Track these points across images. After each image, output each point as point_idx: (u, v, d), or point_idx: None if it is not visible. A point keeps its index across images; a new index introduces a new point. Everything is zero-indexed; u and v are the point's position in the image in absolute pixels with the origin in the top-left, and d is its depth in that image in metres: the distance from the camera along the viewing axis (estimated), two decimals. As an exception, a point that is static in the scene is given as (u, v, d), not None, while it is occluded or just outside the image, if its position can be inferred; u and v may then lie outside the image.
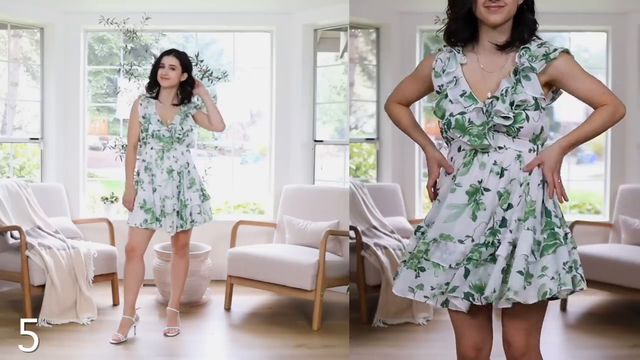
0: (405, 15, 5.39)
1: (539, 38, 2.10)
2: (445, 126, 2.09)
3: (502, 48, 2.07)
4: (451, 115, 2.08)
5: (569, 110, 5.33)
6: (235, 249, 4.59)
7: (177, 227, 3.82)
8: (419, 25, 5.42)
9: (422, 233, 2.16)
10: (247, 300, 4.70)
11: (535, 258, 2.00)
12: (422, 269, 2.11)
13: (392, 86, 5.61)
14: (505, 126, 2.01)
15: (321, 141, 5.44)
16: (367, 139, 5.58)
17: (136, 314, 3.90)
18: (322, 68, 5.63)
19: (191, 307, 4.53)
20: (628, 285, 4.28)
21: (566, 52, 2.06)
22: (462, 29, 2.09)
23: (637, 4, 5.30)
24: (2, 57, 5.47)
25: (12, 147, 5.57)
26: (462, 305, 2.06)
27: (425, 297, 2.11)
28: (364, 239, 4.36)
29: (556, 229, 2.03)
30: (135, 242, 3.80)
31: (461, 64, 2.12)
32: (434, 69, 2.16)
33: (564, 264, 2.00)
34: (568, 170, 5.64)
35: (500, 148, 2.04)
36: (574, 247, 2.07)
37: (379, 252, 4.26)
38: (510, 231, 2.02)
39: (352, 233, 4.34)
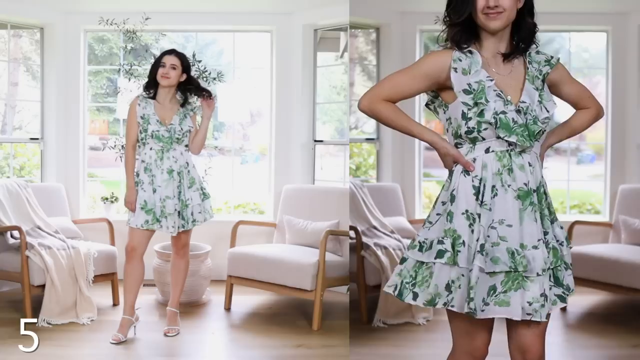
0: (405, 15, 5.40)
1: (536, 44, 2.14)
2: (491, 125, 2.00)
3: (507, 57, 2.08)
4: (496, 113, 2.00)
5: (569, 111, 5.32)
6: (235, 249, 4.59)
7: (178, 228, 3.82)
8: (419, 25, 5.42)
9: (486, 251, 2.01)
10: (247, 300, 4.70)
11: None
12: (521, 287, 2.01)
13: (392, 86, 5.61)
14: (542, 130, 2.06)
15: (321, 141, 5.44)
16: (367, 139, 5.58)
17: (136, 314, 3.90)
18: (322, 68, 5.63)
19: (191, 307, 4.53)
20: (628, 285, 4.28)
21: (558, 60, 2.19)
22: (462, 35, 2.07)
23: (637, 4, 5.30)
24: (2, 57, 5.47)
25: (12, 147, 5.57)
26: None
27: (528, 314, 2.00)
28: (364, 239, 4.36)
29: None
30: (136, 242, 3.79)
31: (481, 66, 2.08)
32: (454, 68, 2.04)
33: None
34: (568, 170, 5.64)
35: (528, 149, 2.07)
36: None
37: (379, 252, 4.26)
38: (549, 230, 2.10)
39: (352, 233, 4.34)
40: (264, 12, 5.34)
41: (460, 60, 2.05)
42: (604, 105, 5.57)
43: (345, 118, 5.65)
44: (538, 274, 2.00)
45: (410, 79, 2.12)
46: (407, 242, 4.52)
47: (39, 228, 4.55)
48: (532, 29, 2.08)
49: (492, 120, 2.00)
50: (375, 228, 4.63)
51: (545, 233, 2.07)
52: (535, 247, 2.01)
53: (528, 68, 2.09)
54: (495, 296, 1.99)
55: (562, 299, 2.07)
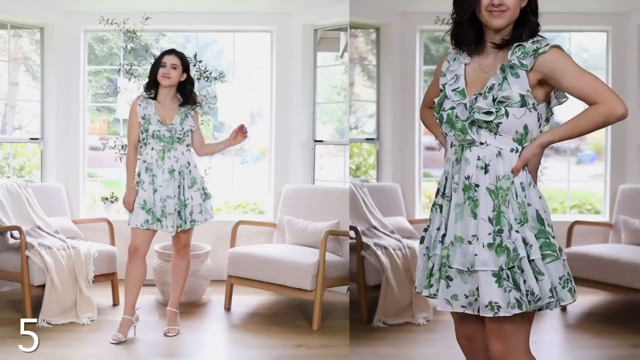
0: (405, 15, 5.40)
1: (543, 37, 2.08)
2: (440, 121, 2.14)
3: (500, 47, 2.07)
4: (443, 110, 2.12)
5: (569, 111, 5.32)
6: (235, 249, 4.59)
7: (177, 227, 3.82)
8: (419, 25, 5.42)
9: (443, 237, 2.12)
10: (247, 300, 4.70)
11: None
12: (450, 278, 2.06)
13: (392, 86, 5.67)
14: (487, 122, 2.01)
15: (321, 141, 5.44)
16: (367, 139, 5.58)
17: (136, 314, 3.90)
18: (322, 68, 5.63)
19: (191, 307, 4.53)
20: (628, 285, 4.28)
21: (557, 47, 2.01)
22: (467, 32, 2.11)
23: (637, 4, 5.29)
24: (2, 57, 5.47)
25: (12, 147, 5.57)
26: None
27: (462, 306, 2.06)
28: (364, 239, 4.36)
29: (551, 240, 2.01)
30: (138, 242, 3.80)
31: (465, 64, 2.15)
32: (442, 71, 2.21)
33: (560, 278, 2.01)
34: (568, 170, 5.64)
35: (482, 144, 2.04)
36: (565, 258, 2.04)
37: (379, 252, 4.26)
38: (510, 232, 2.00)
39: (352, 233, 4.34)
40: (264, 12, 5.34)
41: (445, 63, 2.21)
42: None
43: (345, 118, 5.65)
44: (469, 269, 2.01)
45: (432, 86, 2.35)
46: (407, 241, 4.52)
47: (39, 228, 4.55)
48: (535, 28, 2.08)
49: (438, 117, 2.14)
50: (375, 228, 4.63)
51: (501, 231, 2.00)
52: (469, 243, 2.03)
53: (508, 58, 2.05)
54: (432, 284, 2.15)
55: (519, 304, 1.96)
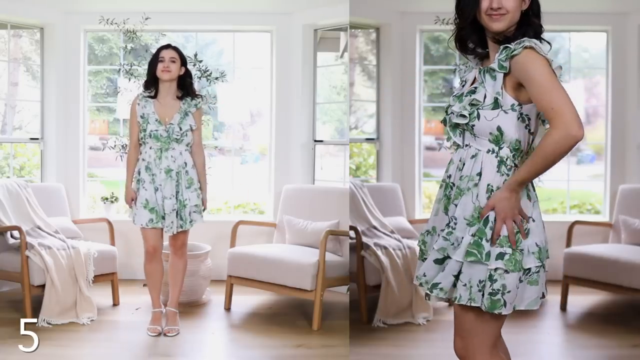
0: (405, 15, 5.40)
1: (542, 39, 2.07)
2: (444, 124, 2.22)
3: (499, 42, 2.05)
4: (446, 113, 2.18)
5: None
6: (235, 249, 4.59)
7: (177, 227, 3.83)
8: (419, 25, 5.42)
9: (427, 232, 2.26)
10: (247, 300, 4.70)
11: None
12: (425, 260, 2.18)
13: (392, 86, 5.67)
14: (465, 124, 2.06)
15: (321, 141, 5.44)
16: (367, 139, 5.58)
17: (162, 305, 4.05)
18: (322, 68, 5.63)
19: (191, 307, 4.53)
20: (628, 285, 4.28)
21: (529, 48, 1.91)
22: (470, 37, 2.14)
23: (637, 4, 5.30)
24: (2, 57, 5.47)
25: (12, 147, 5.57)
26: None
27: (420, 284, 2.18)
28: (364, 239, 4.36)
29: (484, 242, 1.98)
30: (154, 241, 3.89)
31: (474, 69, 2.19)
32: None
33: (479, 282, 1.99)
34: (568, 170, 5.64)
35: (466, 145, 2.10)
36: (508, 272, 1.96)
37: (379, 252, 4.26)
38: (454, 228, 2.06)
39: (352, 233, 4.34)
40: (264, 12, 5.34)
41: (462, 71, 2.27)
42: (603, 105, 5.61)
43: (345, 118, 5.65)
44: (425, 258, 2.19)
45: None
46: (407, 242, 4.52)
47: (39, 228, 4.55)
48: (538, 30, 2.07)
49: (442, 120, 2.20)
50: (375, 228, 4.63)
51: (448, 225, 2.10)
52: (437, 234, 2.15)
53: (492, 60, 2.07)
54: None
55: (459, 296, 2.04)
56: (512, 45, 1.98)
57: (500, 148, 2.02)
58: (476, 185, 2.03)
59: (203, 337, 4.00)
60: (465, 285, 2.01)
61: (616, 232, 5.03)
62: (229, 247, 4.68)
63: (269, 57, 5.45)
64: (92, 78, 6.35)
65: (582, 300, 4.73)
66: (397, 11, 5.39)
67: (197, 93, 3.95)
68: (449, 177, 2.14)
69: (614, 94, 5.44)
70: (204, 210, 3.94)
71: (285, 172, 5.36)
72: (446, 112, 2.18)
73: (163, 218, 3.80)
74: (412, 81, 5.42)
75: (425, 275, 2.12)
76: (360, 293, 4.28)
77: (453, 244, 2.06)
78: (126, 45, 4.94)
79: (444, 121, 2.20)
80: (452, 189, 2.12)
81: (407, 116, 5.41)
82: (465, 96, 2.05)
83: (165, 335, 3.91)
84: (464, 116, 2.04)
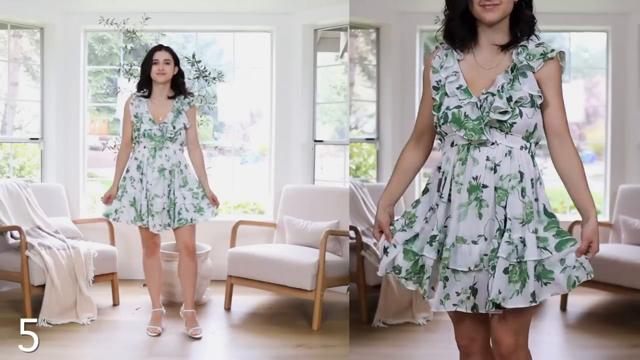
0: (405, 15, 5.40)
1: (537, 37, 2.09)
2: (442, 120, 2.09)
3: (504, 48, 2.08)
4: (447, 108, 2.08)
5: (569, 111, 5.32)
6: (235, 249, 4.59)
7: (165, 226, 3.82)
8: (419, 25, 5.42)
9: (439, 242, 2.11)
10: (247, 300, 4.70)
11: (551, 253, 2.02)
12: (447, 279, 2.08)
13: (392, 86, 5.67)
14: (500, 122, 2.02)
15: (321, 141, 5.44)
16: (367, 139, 5.58)
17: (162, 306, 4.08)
18: (322, 68, 5.63)
19: (191, 307, 4.52)
20: (628, 285, 4.28)
21: (561, 55, 2.06)
22: (459, 28, 2.09)
23: (637, 4, 5.30)
24: (2, 57, 5.47)
25: (12, 147, 5.57)
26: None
27: (454, 304, 2.08)
28: (364, 239, 4.36)
29: (562, 228, 2.08)
30: (145, 238, 3.93)
31: (458, 60, 2.13)
32: (432, 66, 2.16)
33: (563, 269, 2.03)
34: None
35: (492, 144, 2.04)
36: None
37: (379, 252, 4.26)
38: (510, 230, 2.02)
39: (352, 233, 4.34)
40: (264, 12, 5.34)
41: (436, 59, 2.15)
42: (603, 105, 5.61)
43: (345, 118, 5.65)
44: (470, 269, 2.04)
45: (424, 102, 2.23)
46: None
47: (39, 228, 4.55)
48: (531, 22, 2.08)
49: (442, 115, 2.08)
50: (375, 228, 4.63)
51: (503, 230, 2.02)
52: (474, 242, 2.04)
53: (514, 59, 2.07)
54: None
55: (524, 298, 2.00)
56: (530, 46, 2.05)
57: (530, 144, 2.07)
58: (520, 182, 2.03)
59: (203, 337, 3.99)
60: (574, 266, 2.03)
61: (616, 232, 5.03)
62: (229, 247, 4.68)
63: (269, 57, 5.45)
64: (92, 78, 6.35)
65: (582, 300, 4.73)
66: (397, 11, 5.39)
67: (189, 91, 3.96)
68: (476, 178, 2.04)
69: (614, 94, 5.44)
70: (216, 206, 3.92)
71: (285, 172, 5.36)
72: (439, 106, 2.09)
73: (142, 218, 3.81)
74: (412, 81, 5.42)
75: (501, 292, 1.99)
76: (360, 293, 4.28)
77: (517, 246, 2.01)
78: (126, 45, 4.94)
79: (443, 116, 2.07)
80: (482, 191, 2.04)
81: (407, 116, 5.40)
82: (502, 92, 2.02)
83: (192, 337, 3.88)
84: (506, 113, 2.01)
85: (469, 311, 2.07)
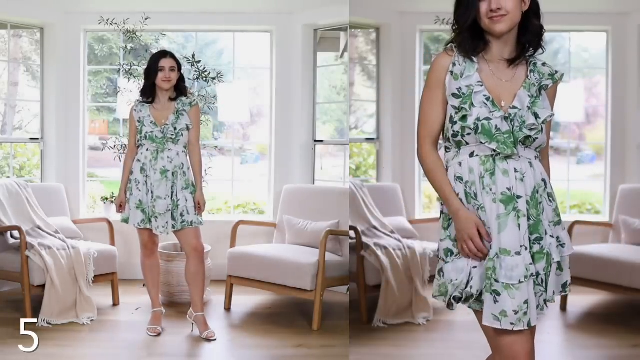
0: (405, 15, 5.40)
1: (543, 49, 2.14)
2: (473, 130, 2.03)
3: (512, 62, 2.10)
4: (478, 119, 2.04)
5: (569, 111, 5.33)
6: (235, 249, 4.59)
7: (169, 228, 3.82)
8: (419, 25, 5.42)
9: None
10: (247, 300, 4.70)
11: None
12: (497, 293, 2.00)
13: (392, 86, 5.66)
14: (527, 137, 2.05)
15: (321, 141, 5.44)
16: (367, 139, 5.58)
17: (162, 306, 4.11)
18: (322, 68, 5.63)
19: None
20: (628, 285, 4.28)
21: (561, 79, 2.19)
22: (469, 42, 2.08)
23: (637, 4, 5.30)
24: (2, 57, 5.47)
25: (12, 147, 5.57)
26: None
27: (511, 324, 2.00)
28: (364, 239, 4.36)
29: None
30: (144, 239, 3.94)
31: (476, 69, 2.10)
32: (451, 71, 2.09)
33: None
34: (568, 170, 5.64)
35: (516, 156, 2.07)
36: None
37: (379, 252, 4.27)
38: (547, 233, 2.10)
39: (352, 233, 4.34)
40: (264, 12, 5.34)
41: (456, 65, 2.10)
42: (603, 105, 5.61)
43: (345, 118, 5.65)
44: (520, 281, 2.00)
45: (433, 104, 2.14)
46: (407, 242, 4.52)
47: (39, 228, 4.55)
48: (539, 31, 2.08)
49: (473, 126, 2.04)
50: (375, 228, 4.63)
51: (540, 239, 2.06)
52: (518, 254, 2.02)
53: (528, 76, 2.10)
54: (477, 297, 2.08)
55: (544, 304, 2.12)
56: (539, 64, 2.13)
57: (539, 154, 2.14)
58: (545, 189, 2.11)
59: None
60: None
61: (616, 232, 5.03)
62: (229, 247, 4.68)
63: (269, 57, 5.45)
64: (92, 78, 6.36)
65: (582, 300, 4.73)
66: (397, 11, 5.39)
67: (189, 92, 3.97)
68: (510, 189, 2.02)
69: (614, 94, 5.44)
70: (198, 212, 3.85)
71: (285, 172, 5.36)
72: (465, 116, 2.04)
73: (149, 220, 3.82)
74: (412, 81, 5.42)
75: (554, 293, 2.13)
76: (360, 293, 4.28)
77: (557, 246, 2.13)
78: (126, 46, 4.94)
79: (474, 127, 2.03)
80: (517, 202, 2.03)
81: (407, 116, 5.41)
82: (530, 109, 2.06)
83: (208, 340, 3.86)
84: (535, 129, 2.05)
85: (525, 328, 2.01)
